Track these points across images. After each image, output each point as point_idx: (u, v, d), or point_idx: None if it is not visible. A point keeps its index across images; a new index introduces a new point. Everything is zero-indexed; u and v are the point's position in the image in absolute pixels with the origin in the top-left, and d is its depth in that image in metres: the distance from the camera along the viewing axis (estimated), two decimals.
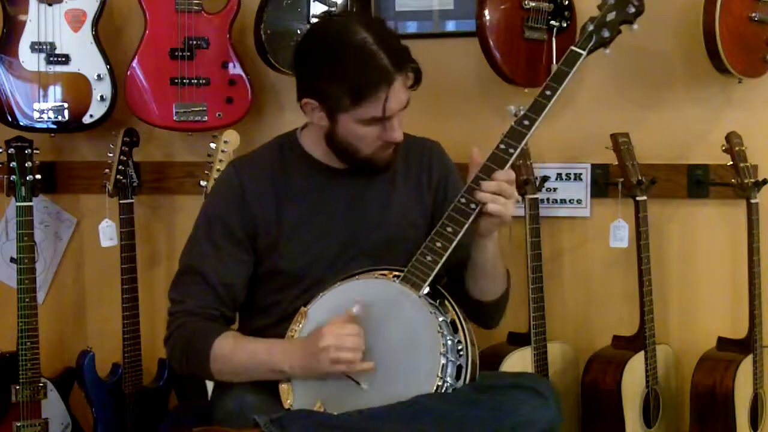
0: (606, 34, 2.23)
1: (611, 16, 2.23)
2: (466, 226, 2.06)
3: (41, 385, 2.91)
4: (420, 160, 2.30)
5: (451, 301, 2.09)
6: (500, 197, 2.04)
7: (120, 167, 2.98)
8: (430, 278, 2.05)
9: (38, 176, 2.92)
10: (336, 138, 2.14)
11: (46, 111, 2.92)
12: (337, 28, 2.13)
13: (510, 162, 2.09)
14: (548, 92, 2.14)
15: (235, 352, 2.09)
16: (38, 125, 2.94)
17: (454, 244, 2.06)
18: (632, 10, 2.24)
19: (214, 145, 2.87)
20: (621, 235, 2.84)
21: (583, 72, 2.86)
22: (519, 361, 2.68)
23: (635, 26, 2.25)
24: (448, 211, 2.09)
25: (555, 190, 2.94)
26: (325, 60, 2.08)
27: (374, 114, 2.06)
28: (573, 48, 2.21)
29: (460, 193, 2.09)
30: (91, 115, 2.96)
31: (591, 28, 2.23)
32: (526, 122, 2.12)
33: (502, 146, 2.11)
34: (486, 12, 2.67)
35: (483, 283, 2.20)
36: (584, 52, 2.20)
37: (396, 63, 2.05)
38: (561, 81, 2.15)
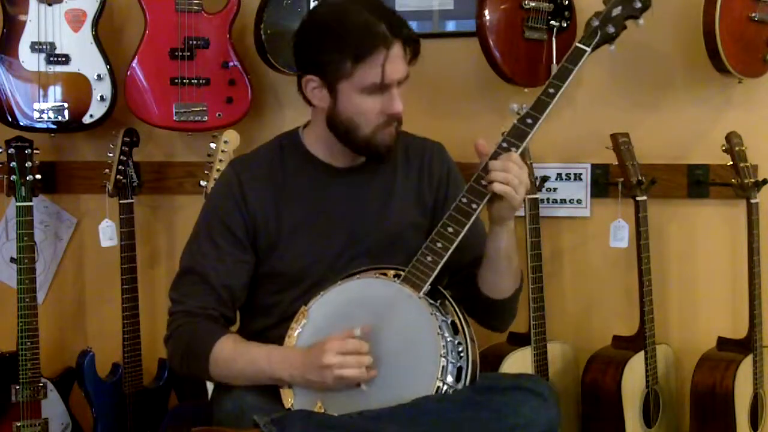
0: (611, 30, 2.19)
1: (617, 11, 2.19)
2: (468, 225, 2.06)
3: (41, 385, 2.91)
4: (421, 160, 2.30)
5: (452, 301, 2.08)
6: (509, 176, 2.03)
7: (120, 167, 2.98)
8: (431, 279, 2.04)
9: (38, 176, 2.92)
10: (338, 116, 2.13)
11: (46, 111, 2.92)
12: (333, 7, 2.17)
13: None
14: (551, 90, 2.12)
15: (235, 357, 2.09)
16: (38, 125, 2.94)
17: (455, 244, 2.05)
18: (638, 5, 2.19)
19: (214, 145, 2.87)
20: (621, 235, 2.84)
21: (582, 72, 2.82)
22: (519, 361, 2.68)
23: (641, 21, 2.21)
24: (449, 211, 2.08)
25: (555, 190, 2.94)
26: (324, 33, 2.10)
27: (374, 79, 2.06)
28: (577, 44, 2.18)
29: (462, 192, 2.09)
30: (91, 115, 2.96)
31: (596, 23, 2.19)
32: (529, 120, 2.11)
33: (504, 144, 2.10)
34: (486, 12, 2.67)
35: (494, 277, 2.18)
36: (588, 49, 2.17)
37: (393, 29, 2.07)
38: (565, 78, 2.13)
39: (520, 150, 2.10)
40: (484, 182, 2.06)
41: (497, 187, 2.04)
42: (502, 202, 2.07)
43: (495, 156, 2.09)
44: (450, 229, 2.06)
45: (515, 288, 2.23)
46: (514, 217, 2.14)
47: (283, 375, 2.03)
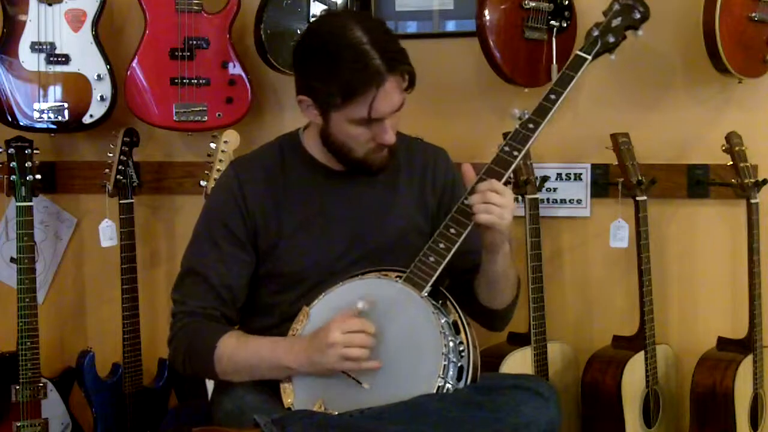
0: (611, 39, 2.25)
1: (617, 21, 2.25)
2: (470, 227, 2.06)
3: (41, 385, 2.91)
4: (425, 165, 2.30)
5: (453, 302, 2.09)
6: (490, 206, 2.03)
7: (120, 167, 2.98)
8: (433, 279, 2.05)
9: (38, 176, 2.92)
10: (330, 137, 2.14)
11: (46, 111, 2.92)
12: (333, 27, 2.12)
13: (514, 165, 2.09)
14: (553, 96, 2.16)
15: (239, 349, 2.09)
16: (38, 125, 2.94)
17: (457, 245, 2.06)
18: (637, 16, 2.25)
19: (214, 145, 2.87)
20: (621, 235, 2.84)
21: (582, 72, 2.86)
22: (519, 361, 2.68)
23: (640, 32, 2.27)
24: (451, 212, 2.09)
25: (555, 190, 2.94)
26: (318, 58, 2.08)
27: (363, 114, 2.06)
28: (578, 53, 2.23)
29: (464, 194, 2.09)
30: (91, 115, 2.96)
31: (596, 33, 2.25)
32: (530, 125, 2.13)
33: (507, 149, 2.11)
34: (486, 12, 2.67)
35: (492, 293, 2.20)
36: (589, 57, 2.22)
37: (389, 64, 2.04)
38: (566, 85, 2.17)
39: (521, 154, 2.10)
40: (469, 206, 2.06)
41: (483, 218, 2.03)
42: (490, 230, 2.06)
43: (496, 161, 2.09)
44: (452, 230, 2.07)
45: (512, 298, 2.24)
46: (506, 242, 2.12)
47: (288, 361, 2.03)
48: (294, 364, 2.03)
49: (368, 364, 1.98)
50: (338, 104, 2.06)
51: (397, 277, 2.09)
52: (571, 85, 2.17)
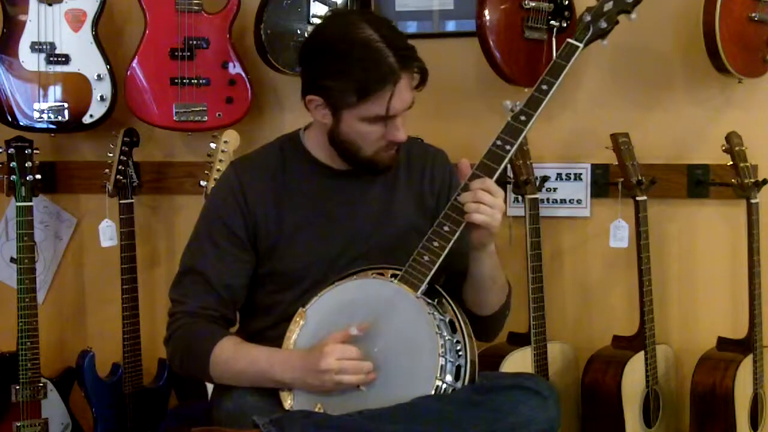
0: (603, 25, 2.19)
1: (609, 6, 2.20)
2: (464, 224, 2.06)
3: (41, 385, 2.91)
4: (423, 166, 2.29)
5: (450, 300, 2.08)
6: (481, 206, 2.02)
7: (120, 167, 2.98)
8: (428, 278, 2.04)
9: (38, 176, 2.92)
10: (338, 136, 2.14)
11: (46, 111, 2.92)
12: (343, 26, 2.12)
13: (507, 158, 2.08)
14: (545, 86, 2.11)
15: (236, 358, 2.09)
16: (38, 125, 2.94)
17: (452, 242, 2.05)
18: None
19: (214, 145, 2.87)
20: (621, 235, 2.84)
21: (582, 72, 2.86)
22: (519, 361, 2.68)
23: (633, 16, 2.20)
24: (444, 210, 2.08)
25: (555, 190, 2.94)
26: (330, 57, 2.08)
27: (378, 112, 2.06)
28: (570, 40, 2.18)
29: (456, 191, 2.08)
30: (91, 115, 2.96)
31: (588, 18, 2.19)
32: (522, 118, 2.10)
33: (499, 142, 2.09)
34: (486, 12, 2.67)
35: (479, 296, 2.18)
36: (581, 45, 2.17)
37: (402, 61, 2.05)
38: (558, 74, 2.13)
39: (514, 148, 2.08)
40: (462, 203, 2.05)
41: (474, 218, 2.02)
42: (481, 230, 2.06)
43: (489, 155, 2.08)
44: (446, 228, 2.06)
45: (501, 304, 2.23)
46: (492, 241, 2.12)
47: (284, 377, 2.03)
48: (289, 381, 2.03)
49: (363, 382, 1.99)
50: (353, 103, 2.06)
51: (392, 276, 2.08)
52: (563, 74, 2.12)
